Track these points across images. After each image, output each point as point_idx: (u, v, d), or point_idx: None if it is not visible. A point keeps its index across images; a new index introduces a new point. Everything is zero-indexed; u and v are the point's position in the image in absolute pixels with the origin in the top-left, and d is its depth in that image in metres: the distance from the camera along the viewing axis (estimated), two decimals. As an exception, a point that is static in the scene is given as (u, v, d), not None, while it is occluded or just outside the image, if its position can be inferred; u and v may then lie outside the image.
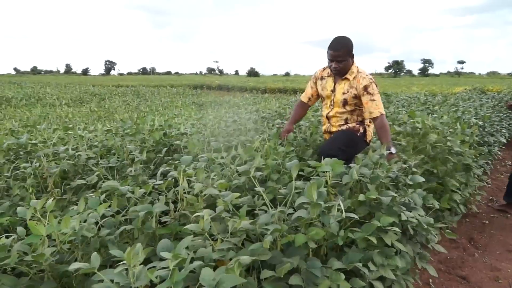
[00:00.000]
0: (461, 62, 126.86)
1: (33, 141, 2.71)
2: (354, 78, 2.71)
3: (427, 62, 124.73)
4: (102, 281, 1.08)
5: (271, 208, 1.62)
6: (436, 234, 2.16)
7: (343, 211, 1.46)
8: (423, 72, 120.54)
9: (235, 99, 13.23)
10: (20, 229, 1.45)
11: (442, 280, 2.52)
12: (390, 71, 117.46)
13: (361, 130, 2.80)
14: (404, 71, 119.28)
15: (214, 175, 2.03)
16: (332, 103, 2.85)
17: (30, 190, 2.12)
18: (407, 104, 6.72)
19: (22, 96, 13.65)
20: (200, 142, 3.01)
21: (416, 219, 1.92)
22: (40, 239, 1.41)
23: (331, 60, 2.70)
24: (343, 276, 1.40)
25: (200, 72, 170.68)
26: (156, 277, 1.06)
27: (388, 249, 1.73)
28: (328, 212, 1.57)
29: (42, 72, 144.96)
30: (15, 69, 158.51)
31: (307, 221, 1.52)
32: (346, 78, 2.74)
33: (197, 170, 1.98)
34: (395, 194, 1.84)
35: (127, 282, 1.07)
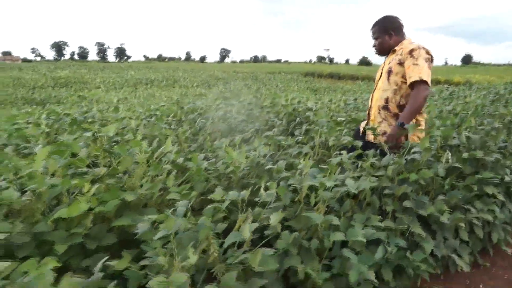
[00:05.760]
0: None
1: (203, 106, 3.64)
2: (402, 48, 2.44)
3: None
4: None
5: (390, 154, 2.14)
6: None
7: (450, 158, 1.91)
8: None
9: (348, 86, 13.50)
10: (222, 153, 2.23)
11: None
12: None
13: (403, 139, 2.30)
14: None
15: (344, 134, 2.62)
16: (379, 78, 2.55)
17: (207, 138, 2.97)
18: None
19: (162, 78, 16.05)
20: (326, 115, 3.61)
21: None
22: (231, 161, 2.17)
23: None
24: (445, 206, 1.88)
25: (310, 61, 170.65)
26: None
27: (488, 199, 2.11)
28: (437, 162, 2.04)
29: (166, 59, 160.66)
30: (144, 56, 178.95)
31: (419, 167, 2.01)
32: (393, 50, 2.51)
33: (330, 129, 2.59)
34: (499, 156, 2.20)
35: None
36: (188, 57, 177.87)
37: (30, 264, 1.14)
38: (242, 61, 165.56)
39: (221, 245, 1.40)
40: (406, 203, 1.86)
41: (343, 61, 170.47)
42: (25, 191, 1.60)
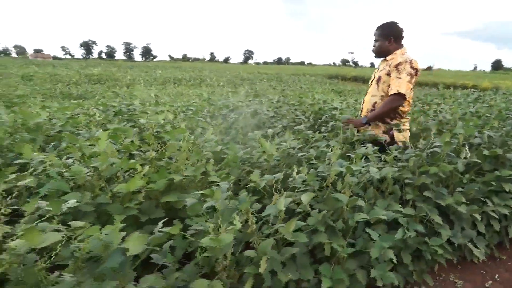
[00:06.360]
0: None
1: (234, 102, 3.87)
2: (393, 58, 2.64)
3: None
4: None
5: (412, 148, 2.30)
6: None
7: (468, 153, 2.05)
8: None
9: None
10: (254, 144, 2.44)
11: None
12: None
13: (388, 139, 2.57)
14: None
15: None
16: (370, 84, 2.81)
17: (239, 132, 3.19)
18: None
19: (189, 78, 16.52)
20: (352, 114, 3.77)
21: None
22: (264, 151, 2.37)
23: None
24: (463, 198, 2.02)
25: (334, 63, 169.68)
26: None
27: (506, 194, 2.23)
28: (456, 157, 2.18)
29: (190, 60, 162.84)
30: (169, 56, 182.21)
31: (439, 160, 2.15)
32: (386, 59, 2.71)
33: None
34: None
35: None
36: (212, 57, 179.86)
37: (94, 229, 1.37)
38: (265, 63, 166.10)
39: (257, 221, 1.60)
40: (426, 193, 2.01)
41: (368, 65, 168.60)
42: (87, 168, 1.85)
